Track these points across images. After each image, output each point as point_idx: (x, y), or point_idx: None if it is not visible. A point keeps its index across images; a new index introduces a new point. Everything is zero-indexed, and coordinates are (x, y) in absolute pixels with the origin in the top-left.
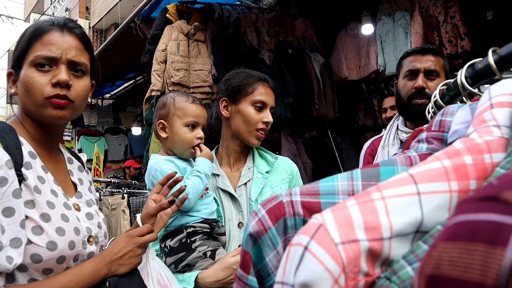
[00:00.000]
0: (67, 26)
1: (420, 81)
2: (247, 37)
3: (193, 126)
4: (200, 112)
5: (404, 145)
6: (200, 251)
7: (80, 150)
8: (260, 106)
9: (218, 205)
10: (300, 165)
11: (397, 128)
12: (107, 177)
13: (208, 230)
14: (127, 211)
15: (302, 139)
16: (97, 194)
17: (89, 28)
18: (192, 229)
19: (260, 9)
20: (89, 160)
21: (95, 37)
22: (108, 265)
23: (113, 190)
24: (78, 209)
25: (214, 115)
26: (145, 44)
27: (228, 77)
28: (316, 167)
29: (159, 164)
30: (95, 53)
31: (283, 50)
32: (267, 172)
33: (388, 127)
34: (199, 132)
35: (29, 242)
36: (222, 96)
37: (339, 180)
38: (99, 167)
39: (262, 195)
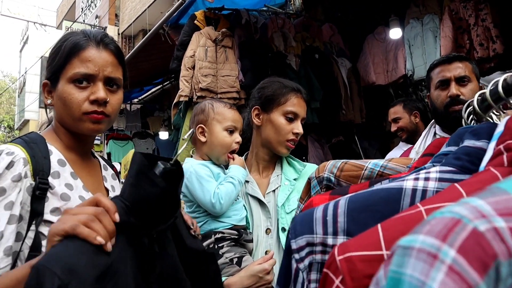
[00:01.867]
0: (103, 42)
1: (453, 89)
2: (274, 42)
3: (231, 131)
4: (238, 117)
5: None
6: (227, 258)
7: (109, 154)
8: (291, 118)
9: (246, 211)
10: None
11: (434, 135)
12: None
13: (236, 237)
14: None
15: (329, 145)
16: None
17: (118, 34)
18: (220, 235)
19: (286, 14)
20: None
21: (123, 43)
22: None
23: None
24: None
25: (245, 121)
26: (173, 50)
27: (262, 85)
28: None
29: (194, 167)
30: (124, 58)
31: (310, 55)
32: (294, 179)
33: (424, 133)
34: (237, 137)
35: None
36: (254, 104)
37: None
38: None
39: (289, 201)
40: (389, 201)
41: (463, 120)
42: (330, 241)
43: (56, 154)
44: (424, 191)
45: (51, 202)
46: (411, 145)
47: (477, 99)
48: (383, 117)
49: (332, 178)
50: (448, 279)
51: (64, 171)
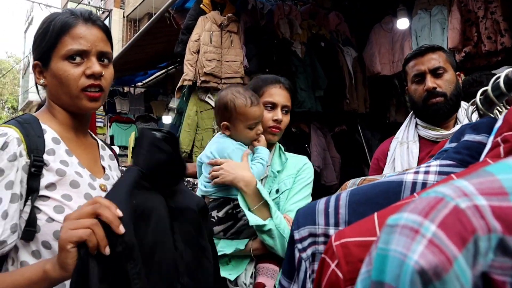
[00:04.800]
0: (91, 19)
1: (429, 82)
2: (280, 29)
3: (253, 127)
4: (259, 112)
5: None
6: (245, 220)
7: (112, 137)
8: (271, 106)
9: None
10: (329, 159)
11: (416, 125)
12: None
13: None
14: None
15: (332, 133)
16: None
17: (124, 17)
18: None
19: (293, 1)
20: (121, 147)
21: (129, 26)
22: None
23: None
24: (104, 190)
25: None
26: (178, 34)
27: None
28: (345, 162)
29: (236, 146)
30: (129, 42)
31: (316, 43)
32: (278, 171)
33: (405, 123)
34: (259, 129)
35: (51, 220)
36: None
37: None
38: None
39: (272, 194)
40: (389, 194)
41: (466, 118)
42: (331, 232)
43: (50, 133)
44: (424, 184)
45: (47, 178)
46: None
47: (479, 98)
48: (387, 108)
49: None
50: (427, 251)
51: (59, 149)
